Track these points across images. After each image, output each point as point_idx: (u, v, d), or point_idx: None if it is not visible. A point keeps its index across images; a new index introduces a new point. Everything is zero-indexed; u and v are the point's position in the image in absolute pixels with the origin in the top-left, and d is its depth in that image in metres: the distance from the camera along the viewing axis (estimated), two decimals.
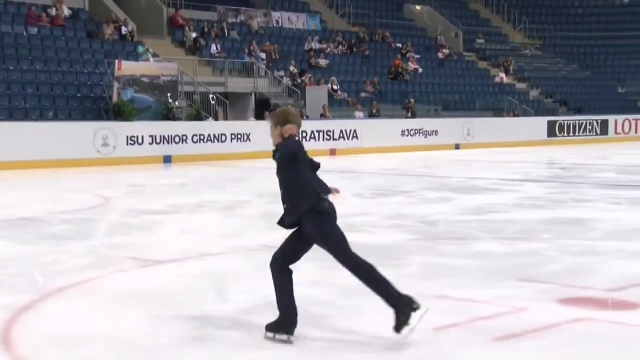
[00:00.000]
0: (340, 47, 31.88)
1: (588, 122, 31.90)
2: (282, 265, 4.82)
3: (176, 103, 22.56)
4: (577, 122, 31.60)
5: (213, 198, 12.89)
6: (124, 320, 5.35)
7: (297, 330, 4.81)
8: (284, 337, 4.78)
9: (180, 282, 6.63)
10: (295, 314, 4.81)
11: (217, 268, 7.17)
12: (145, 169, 18.90)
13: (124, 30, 25.66)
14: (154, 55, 24.45)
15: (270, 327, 4.84)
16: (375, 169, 18.95)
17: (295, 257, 4.86)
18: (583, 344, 4.80)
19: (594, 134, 31.82)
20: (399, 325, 4.61)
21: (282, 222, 4.85)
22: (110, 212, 11.34)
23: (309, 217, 4.72)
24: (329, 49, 31.03)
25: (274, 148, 4.84)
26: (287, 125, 4.76)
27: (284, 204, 4.83)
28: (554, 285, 6.24)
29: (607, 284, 6.29)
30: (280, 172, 4.81)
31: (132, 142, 20.12)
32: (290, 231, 4.89)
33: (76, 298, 6.08)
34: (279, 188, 4.85)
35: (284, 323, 4.79)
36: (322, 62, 29.70)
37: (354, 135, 24.57)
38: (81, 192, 14.11)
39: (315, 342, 4.80)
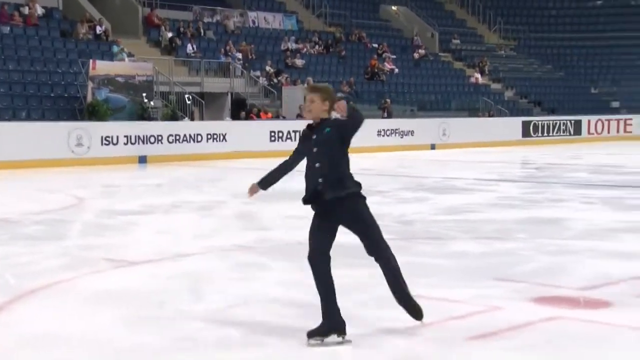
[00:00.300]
0: (317, 47, 31.88)
1: (562, 122, 32.18)
2: (324, 259, 4.64)
3: (151, 103, 22.42)
4: (551, 122, 31.85)
5: (189, 198, 12.83)
6: (98, 322, 5.31)
7: (272, 331, 4.77)
8: (338, 339, 4.58)
9: (155, 282, 6.60)
10: (339, 312, 4.63)
11: (192, 268, 7.15)
12: (120, 169, 18.77)
13: (98, 29, 25.46)
14: (129, 55, 24.29)
15: (314, 333, 4.60)
16: (351, 169, 18.96)
17: (330, 246, 4.70)
18: (556, 343, 4.83)
19: (568, 134, 32.09)
20: (420, 315, 4.91)
21: (317, 196, 4.67)
22: (84, 213, 11.26)
23: (354, 200, 4.73)
24: (305, 49, 31.02)
25: (314, 122, 4.73)
26: (337, 102, 4.65)
27: (317, 178, 4.68)
28: (528, 285, 6.29)
29: (580, 282, 6.36)
30: (327, 147, 4.68)
31: (107, 143, 19.97)
32: (309, 225, 4.76)
33: (50, 299, 6.03)
34: (313, 161, 4.72)
35: (333, 324, 4.60)
36: (299, 62, 29.69)
37: None
38: (55, 192, 13.99)
39: (292, 341, 4.78)
